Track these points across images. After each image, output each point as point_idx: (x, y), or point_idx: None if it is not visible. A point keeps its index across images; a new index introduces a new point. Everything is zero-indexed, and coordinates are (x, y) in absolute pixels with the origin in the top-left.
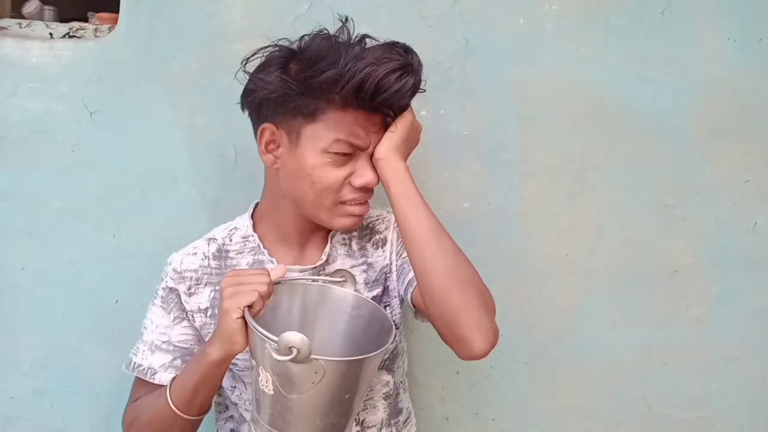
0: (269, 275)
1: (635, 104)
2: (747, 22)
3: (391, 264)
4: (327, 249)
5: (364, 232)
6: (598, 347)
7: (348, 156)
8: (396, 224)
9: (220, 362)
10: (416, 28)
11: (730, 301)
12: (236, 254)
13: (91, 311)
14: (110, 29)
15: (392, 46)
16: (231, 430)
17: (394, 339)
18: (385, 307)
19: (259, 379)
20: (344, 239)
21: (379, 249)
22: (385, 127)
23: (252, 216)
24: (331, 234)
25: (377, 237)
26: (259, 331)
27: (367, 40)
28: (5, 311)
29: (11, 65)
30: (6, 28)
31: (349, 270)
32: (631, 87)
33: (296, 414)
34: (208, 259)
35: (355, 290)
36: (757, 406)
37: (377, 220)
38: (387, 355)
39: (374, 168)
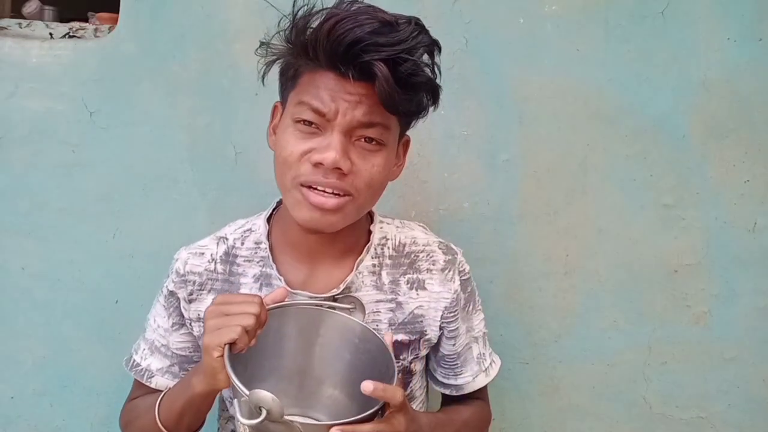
0: (261, 303)
1: (635, 104)
2: (747, 22)
3: (436, 329)
4: (350, 277)
5: (401, 260)
6: (598, 347)
7: (313, 127)
8: (450, 275)
9: (204, 395)
10: None
11: (730, 301)
12: (244, 261)
13: (91, 311)
14: (110, 29)
15: (376, 8)
16: (232, 431)
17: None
18: (411, 353)
19: (237, 424)
20: (374, 267)
21: (413, 291)
22: (366, 102)
23: (270, 218)
24: (359, 259)
25: (415, 276)
26: (233, 380)
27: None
28: (5, 311)
29: (11, 65)
30: (6, 28)
31: (359, 298)
32: (631, 87)
33: None
34: (215, 262)
35: (363, 321)
36: (757, 406)
37: (422, 252)
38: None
39: (342, 149)
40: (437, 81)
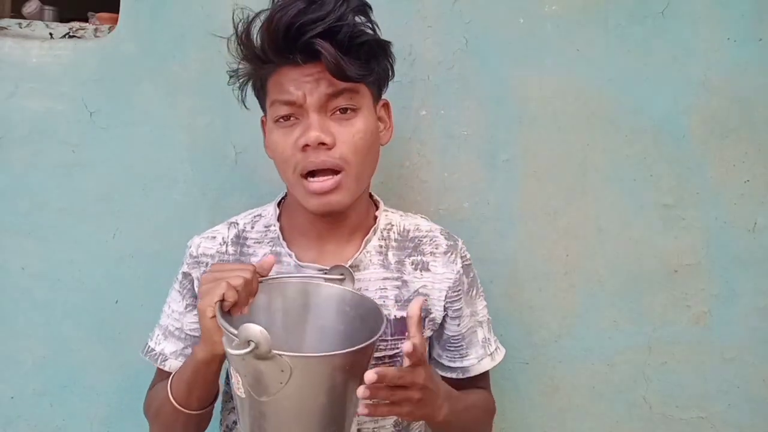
0: (252, 268)
1: (635, 104)
2: (747, 22)
3: (441, 309)
4: (358, 255)
5: (405, 244)
6: (598, 347)
7: (292, 120)
8: (451, 257)
9: (207, 362)
10: (416, 28)
11: (730, 301)
12: (254, 243)
13: (91, 311)
14: (110, 29)
15: None
16: (234, 422)
17: (382, 335)
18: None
19: (233, 382)
20: (381, 247)
21: (418, 271)
22: (324, 77)
23: (279, 204)
24: (366, 238)
25: (419, 258)
26: (222, 325)
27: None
28: (5, 311)
29: (11, 65)
30: (6, 28)
31: (348, 267)
32: (631, 87)
33: (270, 420)
34: (226, 244)
35: (354, 288)
36: (757, 406)
37: (425, 237)
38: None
39: (320, 125)
40: (380, 37)
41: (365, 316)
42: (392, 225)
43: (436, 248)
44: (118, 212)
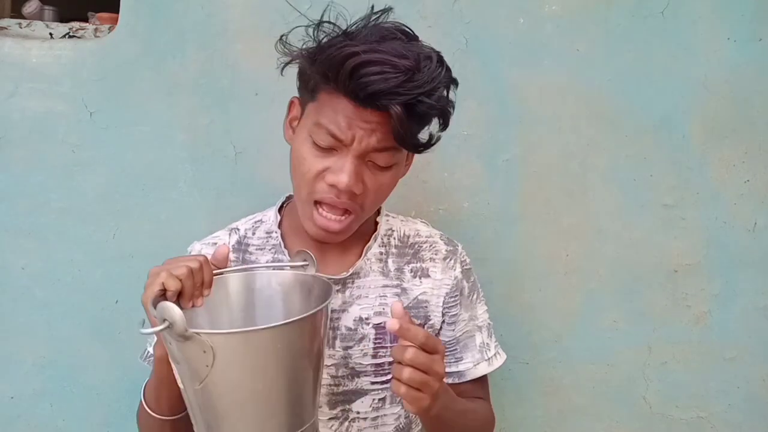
0: (203, 258)
1: (635, 104)
2: (747, 22)
3: (439, 315)
4: (359, 263)
5: (405, 250)
6: (598, 347)
7: (328, 150)
8: (451, 261)
9: (163, 360)
10: (416, 28)
11: (730, 301)
12: (256, 250)
13: (91, 311)
14: (110, 29)
15: (410, 45)
16: None
17: (324, 309)
18: None
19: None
20: (381, 254)
21: (417, 279)
22: (380, 129)
23: (281, 209)
24: (367, 246)
25: (418, 265)
26: (150, 312)
27: (402, 31)
28: (5, 311)
29: (11, 65)
30: (6, 28)
31: (310, 252)
32: (631, 87)
33: (211, 412)
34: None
35: (316, 272)
36: (757, 406)
37: (425, 243)
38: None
39: (355, 173)
40: (451, 112)
41: (327, 295)
42: (393, 231)
43: (436, 254)
44: (118, 212)
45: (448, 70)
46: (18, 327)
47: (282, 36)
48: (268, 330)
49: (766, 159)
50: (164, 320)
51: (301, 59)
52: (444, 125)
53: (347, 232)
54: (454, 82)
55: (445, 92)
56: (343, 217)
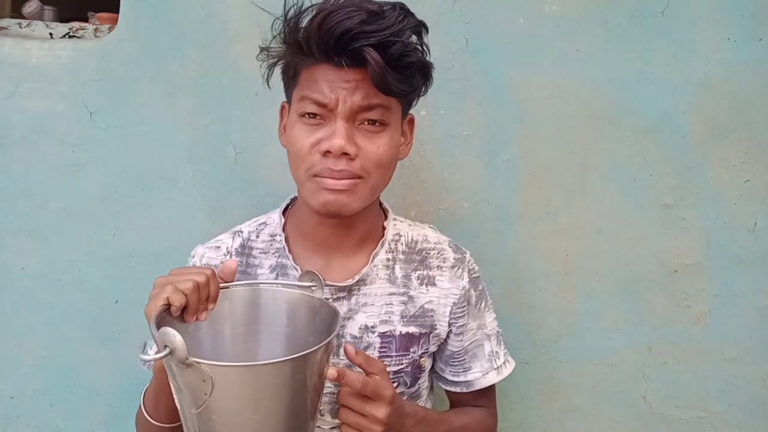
0: (210, 272)
1: (635, 104)
2: (747, 22)
3: (445, 325)
4: (366, 269)
5: (413, 257)
6: (598, 347)
7: (318, 119)
8: (459, 270)
9: (162, 370)
10: None
11: (730, 301)
12: (260, 253)
13: (91, 311)
14: (110, 29)
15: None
16: None
17: (326, 346)
18: (420, 346)
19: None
20: (388, 261)
21: (424, 287)
22: (362, 86)
23: (285, 211)
24: (374, 252)
25: (425, 273)
26: (151, 330)
27: None
28: (5, 311)
29: (11, 65)
30: (6, 28)
31: (319, 274)
32: (631, 87)
33: None
34: (231, 255)
35: (323, 293)
36: (757, 406)
37: (433, 249)
38: (405, 398)
39: (347, 135)
40: (427, 59)
41: (332, 325)
42: (400, 236)
43: (444, 262)
44: (118, 212)
45: (414, 16)
46: (18, 327)
47: (261, 48)
48: (270, 365)
49: (766, 159)
50: (165, 346)
51: (278, 49)
52: (425, 76)
53: (357, 198)
54: (424, 26)
55: (415, 38)
56: (350, 180)
